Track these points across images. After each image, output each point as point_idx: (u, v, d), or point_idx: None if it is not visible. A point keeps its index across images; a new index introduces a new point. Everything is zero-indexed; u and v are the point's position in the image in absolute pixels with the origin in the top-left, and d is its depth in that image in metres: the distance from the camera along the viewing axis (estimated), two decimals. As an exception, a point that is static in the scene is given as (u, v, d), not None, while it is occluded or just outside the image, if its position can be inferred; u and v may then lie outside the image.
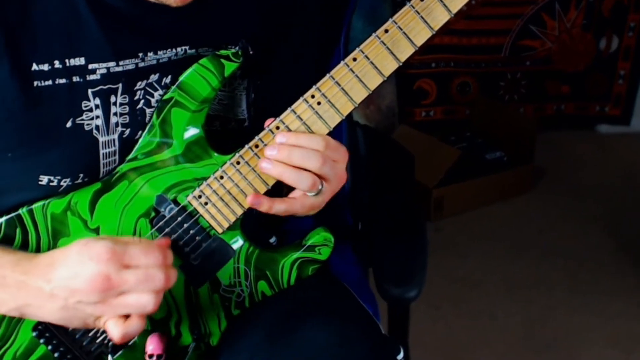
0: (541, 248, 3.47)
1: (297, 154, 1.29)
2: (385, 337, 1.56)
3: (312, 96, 1.31)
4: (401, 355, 1.59)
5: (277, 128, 1.32)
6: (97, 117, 1.31)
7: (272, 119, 1.32)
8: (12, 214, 1.33)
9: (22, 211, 1.33)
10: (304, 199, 1.33)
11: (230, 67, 1.33)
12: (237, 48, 1.35)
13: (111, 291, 1.19)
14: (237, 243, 1.38)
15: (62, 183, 1.32)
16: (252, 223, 1.41)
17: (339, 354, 1.32)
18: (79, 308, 1.21)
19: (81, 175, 1.33)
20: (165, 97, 1.34)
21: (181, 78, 1.33)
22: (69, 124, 1.29)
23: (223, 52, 1.33)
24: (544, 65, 4.31)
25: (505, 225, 3.65)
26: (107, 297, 1.19)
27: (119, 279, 1.18)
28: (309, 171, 1.29)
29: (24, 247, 1.33)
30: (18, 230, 1.33)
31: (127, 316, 1.23)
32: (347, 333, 1.36)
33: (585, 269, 3.32)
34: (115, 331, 1.23)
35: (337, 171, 1.32)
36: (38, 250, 1.33)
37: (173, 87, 1.34)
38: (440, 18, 1.30)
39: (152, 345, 1.35)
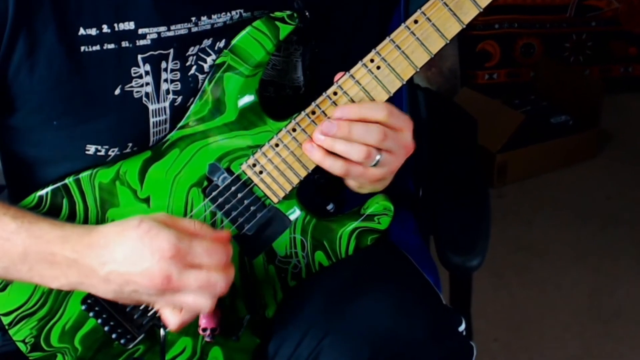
0: (608, 215, 3.43)
1: (357, 130, 1.25)
2: (447, 307, 1.54)
3: (372, 60, 1.27)
4: (463, 326, 1.56)
5: (335, 94, 1.29)
6: (147, 84, 1.29)
7: (342, 73, 1.28)
8: (58, 184, 1.31)
9: (69, 180, 1.31)
10: (365, 169, 1.28)
11: (285, 30, 1.30)
12: (293, 10, 1.31)
13: (170, 290, 1.17)
14: (294, 213, 1.35)
15: (109, 153, 1.30)
16: (309, 190, 1.39)
17: (398, 325, 1.30)
18: (134, 295, 1.19)
19: (130, 144, 1.31)
20: (218, 61, 1.31)
21: (234, 41, 1.30)
22: (117, 91, 1.27)
23: (278, 14, 1.30)
24: (611, 26, 4.26)
25: (571, 191, 3.61)
26: (164, 293, 1.17)
27: (180, 282, 1.16)
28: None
29: (72, 217, 1.31)
30: (65, 201, 1.31)
31: None
32: (407, 304, 1.33)
33: (654, 237, 3.28)
34: (173, 320, 1.23)
35: (401, 141, 1.28)
36: (86, 221, 1.31)
37: (225, 51, 1.31)
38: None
39: (206, 319, 1.34)
